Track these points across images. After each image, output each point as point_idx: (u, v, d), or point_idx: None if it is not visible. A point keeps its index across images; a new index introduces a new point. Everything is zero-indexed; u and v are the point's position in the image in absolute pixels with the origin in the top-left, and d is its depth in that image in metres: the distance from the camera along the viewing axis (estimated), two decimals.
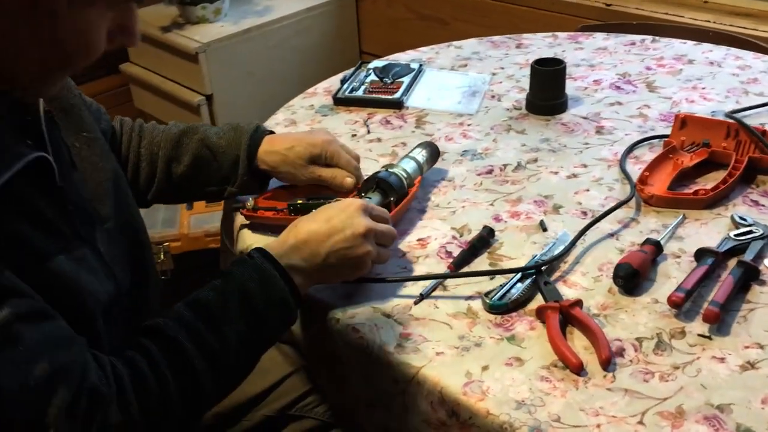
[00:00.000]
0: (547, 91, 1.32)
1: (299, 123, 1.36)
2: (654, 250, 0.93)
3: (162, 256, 1.90)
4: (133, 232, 0.92)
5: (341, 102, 1.41)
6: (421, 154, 1.12)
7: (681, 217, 1.02)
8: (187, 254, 1.93)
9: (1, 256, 0.65)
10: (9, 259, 0.65)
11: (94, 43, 0.71)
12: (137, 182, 1.09)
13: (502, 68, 1.52)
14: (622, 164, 1.15)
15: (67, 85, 0.90)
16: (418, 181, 1.08)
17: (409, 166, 1.08)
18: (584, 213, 1.05)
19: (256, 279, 0.82)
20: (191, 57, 2.13)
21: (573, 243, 0.96)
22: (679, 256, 0.95)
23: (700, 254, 0.92)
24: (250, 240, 1.04)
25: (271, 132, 1.11)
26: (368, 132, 1.31)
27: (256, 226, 1.05)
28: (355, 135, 1.30)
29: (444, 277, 0.93)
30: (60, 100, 0.87)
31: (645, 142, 1.21)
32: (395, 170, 1.06)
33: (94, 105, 1.04)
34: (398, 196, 1.03)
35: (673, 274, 0.92)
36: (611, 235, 1.00)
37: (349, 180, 1.06)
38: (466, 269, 0.96)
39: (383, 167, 1.08)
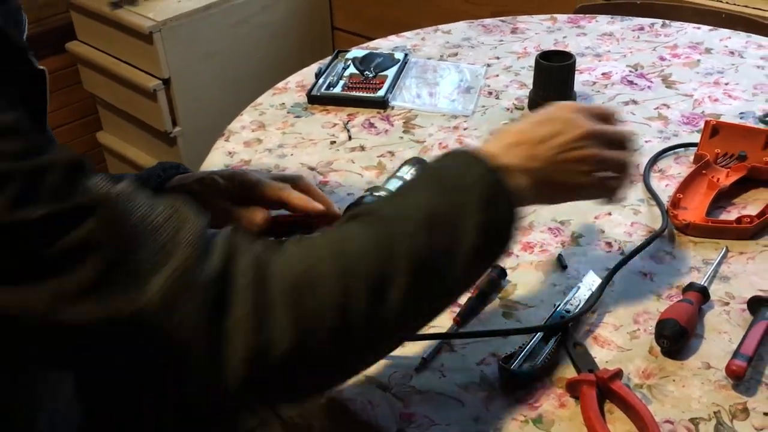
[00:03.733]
0: (554, 89, 1.15)
1: (269, 126, 1.17)
2: (700, 298, 0.78)
3: None
4: None
5: (316, 100, 1.22)
6: (409, 173, 0.95)
7: (723, 250, 0.86)
8: None
9: None
10: None
11: None
12: None
13: (498, 58, 1.34)
14: (646, 180, 0.99)
15: None
16: None
17: (395, 186, 0.91)
18: (609, 245, 0.89)
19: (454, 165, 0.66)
20: (145, 37, 1.91)
21: (602, 288, 0.81)
22: (727, 303, 0.80)
23: (756, 304, 0.77)
24: None
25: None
26: (349, 138, 1.13)
27: None
28: (334, 142, 1.12)
29: (450, 337, 0.77)
30: None
31: (670, 152, 1.05)
32: (378, 194, 0.88)
33: None
34: None
35: (724, 327, 0.77)
36: (644, 274, 0.84)
37: (260, 215, 0.81)
38: (475, 322, 0.79)
39: (367, 190, 0.90)
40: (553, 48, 1.34)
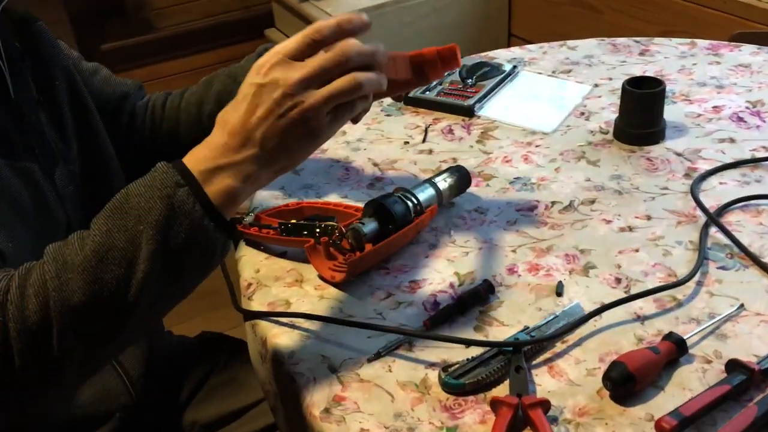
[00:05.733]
0: (639, 116, 1.10)
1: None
2: (673, 349, 0.73)
3: None
4: (106, 184, 0.93)
5: (411, 102, 1.28)
6: (444, 181, 0.98)
7: (737, 306, 0.80)
8: None
9: None
10: None
11: None
12: (177, 137, 1.06)
13: (610, 79, 1.30)
14: (705, 232, 0.91)
15: (58, 45, 0.94)
16: (432, 209, 0.94)
17: (425, 193, 0.95)
18: (617, 281, 0.86)
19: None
20: None
21: (577, 324, 0.79)
22: (709, 362, 0.74)
23: (732, 367, 0.71)
24: (243, 251, 0.97)
25: None
26: (423, 140, 1.18)
27: (249, 242, 0.97)
28: (407, 142, 1.18)
29: (403, 333, 0.80)
30: (38, 44, 0.90)
31: (743, 202, 0.96)
32: (404, 197, 0.93)
33: (112, 79, 1.04)
34: (398, 226, 0.91)
35: (692, 385, 0.72)
36: (637, 316, 0.81)
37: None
38: (444, 328, 0.82)
39: (396, 190, 0.95)
40: (671, 75, 1.28)
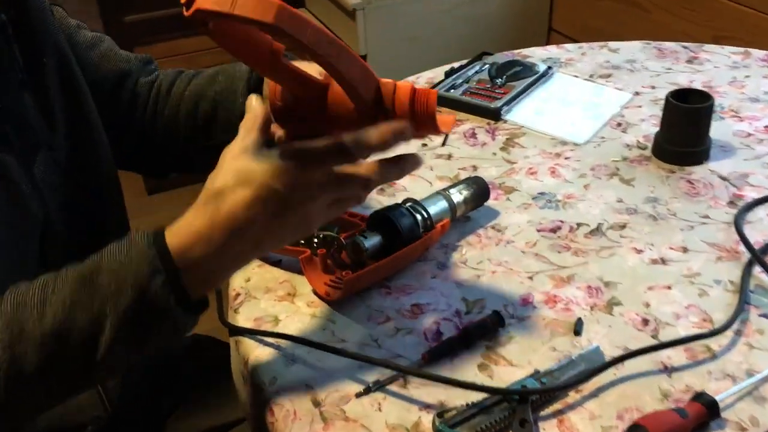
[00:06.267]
0: (682, 133, 1.00)
1: None
2: (703, 412, 0.64)
3: None
4: (94, 175, 0.87)
5: None
6: (459, 193, 0.89)
7: None
8: None
9: None
10: None
11: None
12: (177, 128, 0.97)
13: (653, 87, 1.19)
14: (748, 271, 0.81)
15: (50, 15, 0.84)
16: (443, 224, 0.85)
17: (436, 205, 0.86)
18: (644, 322, 0.76)
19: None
20: (349, 13, 1.98)
21: (595, 372, 0.69)
22: (745, 429, 0.65)
23: None
24: None
25: None
26: (443, 144, 1.08)
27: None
28: (425, 145, 1.08)
29: (397, 369, 0.71)
30: (27, 14, 0.80)
31: None
32: (413, 209, 0.84)
33: (113, 53, 0.94)
34: (404, 241, 0.82)
35: None
36: (664, 367, 0.71)
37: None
38: (445, 363, 0.73)
39: (404, 201, 0.86)
40: (720, 87, 1.17)
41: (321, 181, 0.62)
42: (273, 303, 0.82)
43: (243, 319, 0.80)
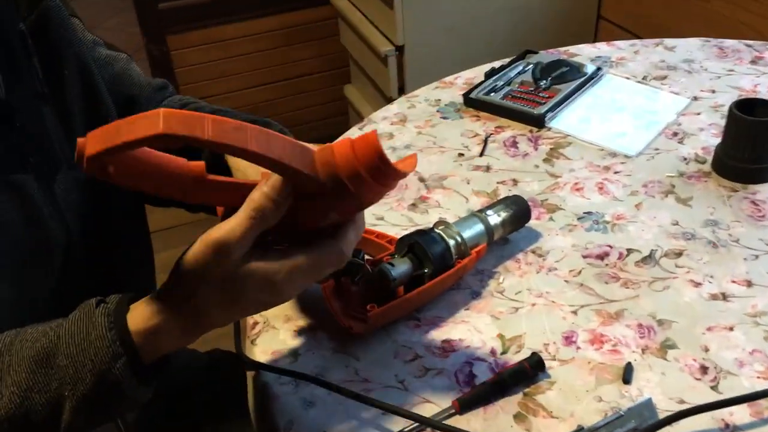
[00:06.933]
0: (746, 148, 0.90)
1: (410, 122, 1.09)
2: None
3: None
4: (116, 190, 0.79)
5: (472, 103, 1.11)
6: (497, 215, 0.81)
7: None
8: None
9: None
10: None
11: None
12: None
13: (713, 92, 1.09)
14: None
15: (72, 25, 0.79)
16: (478, 251, 0.78)
17: (472, 229, 0.79)
18: (703, 370, 0.68)
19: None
20: (387, 0, 1.90)
21: (652, 429, 0.62)
22: None
23: None
24: None
25: None
26: (481, 154, 1.01)
27: None
28: (462, 154, 1.01)
29: (423, 422, 0.64)
30: (47, 25, 0.76)
31: None
32: (446, 233, 0.77)
33: (126, 77, 0.88)
34: (436, 270, 0.75)
35: None
36: (726, 428, 0.63)
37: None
38: (478, 413, 0.66)
39: (435, 223, 0.79)
40: None
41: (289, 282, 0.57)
42: (292, 335, 0.75)
43: (260, 351, 0.74)
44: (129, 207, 0.87)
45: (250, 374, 0.75)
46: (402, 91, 2.05)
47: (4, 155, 0.69)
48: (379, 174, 0.55)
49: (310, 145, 0.56)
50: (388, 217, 0.90)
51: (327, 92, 2.50)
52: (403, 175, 0.56)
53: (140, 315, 0.56)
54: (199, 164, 0.56)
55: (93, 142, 0.50)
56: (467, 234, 0.78)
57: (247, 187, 0.57)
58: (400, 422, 0.65)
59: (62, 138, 0.76)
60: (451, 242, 0.76)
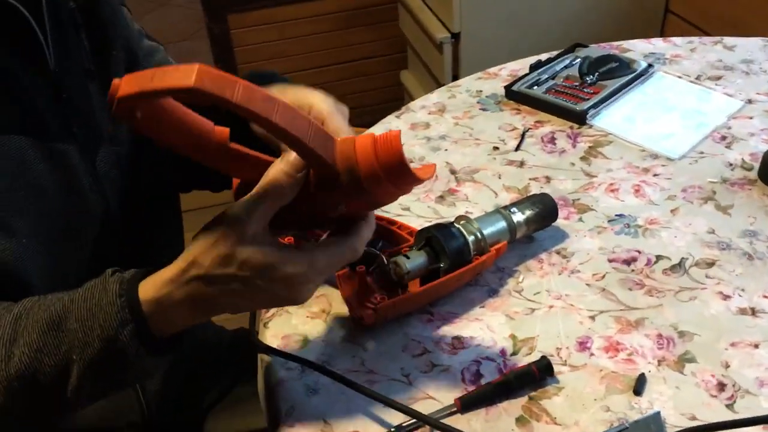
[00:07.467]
0: None
1: (449, 112, 1.08)
2: None
3: None
4: (153, 171, 0.83)
5: (513, 96, 1.08)
6: (521, 213, 0.79)
7: None
8: None
9: None
10: None
11: None
12: None
13: None
14: None
15: (121, 10, 0.82)
16: (498, 248, 0.76)
17: (493, 226, 0.77)
18: (720, 387, 0.65)
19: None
20: None
21: None
22: None
23: None
24: None
25: None
26: (517, 148, 0.98)
27: None
28: (497, 148, 0.99)
29: (421, 419, 0.63)
30: (98, 5, 0.77)
31: None
32: (466, 228, 0.75)
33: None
34: (452, 264, 0.74)
35: None
36: None
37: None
38: (480, 413, 0.65)
39: (456, 218, 0.78)
40: None
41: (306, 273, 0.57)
42: (304, 320, 0.76)
43: (271, 335, 0.75)
44: (165, 188, 0.88)
45: (259, 359, 0.76)
46: (456, 79, 2.01)
47: (49, 123, 0.71)
48: (396, 177, 0.54)
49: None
50: (414, 208, 0.89)
51: (383, 77, 2.49)
52: (420, 181, 0.56)
53: (152, 285, 0.57)
54: (224, 130, 0.57)
55: (126, 85, 0.50)
56: (488, 230, 0.76)
57: (266, 164, 0.57)
58: (401, 416, 0.65)
59: (106, 115, 0.77)
60: (471, 238, 0.75)
